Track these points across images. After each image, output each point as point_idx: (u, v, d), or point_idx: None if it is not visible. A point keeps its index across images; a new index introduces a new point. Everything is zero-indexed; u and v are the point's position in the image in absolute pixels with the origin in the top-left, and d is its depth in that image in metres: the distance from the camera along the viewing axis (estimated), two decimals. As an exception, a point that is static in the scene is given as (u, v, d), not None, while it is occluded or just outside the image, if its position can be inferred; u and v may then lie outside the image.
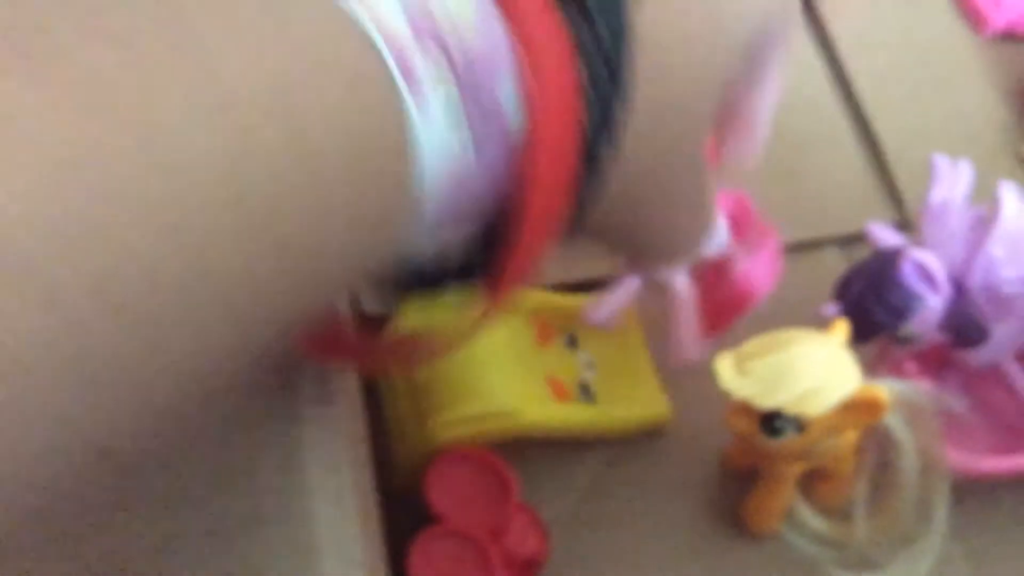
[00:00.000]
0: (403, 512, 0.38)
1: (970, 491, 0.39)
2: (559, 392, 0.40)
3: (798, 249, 0.47)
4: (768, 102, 0.31)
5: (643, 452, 0.43)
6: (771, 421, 0.34)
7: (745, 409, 0.34)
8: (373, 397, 0.42)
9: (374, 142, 0.18)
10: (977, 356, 0.40)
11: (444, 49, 0.18)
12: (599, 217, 0.24)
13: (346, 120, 0.17)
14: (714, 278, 0.36)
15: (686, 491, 0.42)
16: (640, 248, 0.29)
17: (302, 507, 0.24)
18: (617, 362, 0.43)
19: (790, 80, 0.51)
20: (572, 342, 0.43)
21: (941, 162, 0.39)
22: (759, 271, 0.37)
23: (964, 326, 0.38)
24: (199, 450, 0.24)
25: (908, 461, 0.37)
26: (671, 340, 0.36)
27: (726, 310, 0.36)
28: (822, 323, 0.38)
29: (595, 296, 0.39)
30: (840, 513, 0.39)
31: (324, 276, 0.18)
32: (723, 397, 0.35)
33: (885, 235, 0.39)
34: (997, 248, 0.37)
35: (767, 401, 0.33)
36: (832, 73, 0.51)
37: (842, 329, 0.36)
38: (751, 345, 0.34)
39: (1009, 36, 0.52)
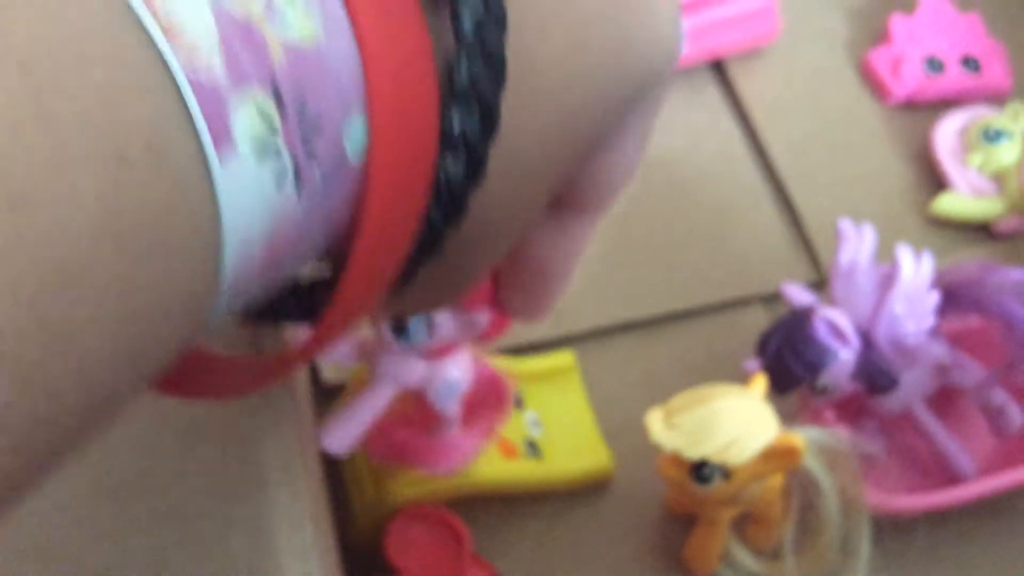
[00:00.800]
0: (364, 567, 0.41)
1: (888, 528, 0.42)
2: (507, 451, 0.43)
3: (725, 307, 0.51)
4: (615, 181, 0.27)
5: (590, 501, 0.45)
6: (699, 470, 0.37)
7: (675, 459, 0.37)
8: (332, 460, 0.45)
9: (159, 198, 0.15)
10: (889, 402, 0.43)
11: (267, 71, 0.16)
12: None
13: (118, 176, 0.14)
14: (419, 421, 0.38)
15: (631, 537, 0.45)
16: (431, 292, 0.26)
17: (272, 566, 0.26)
18: (562, 419, 0.46)
19: (711, 149, 0.55)
20: (518, 403, 0.46)
21: (846, 226, 0.42)
22: (455, 452, 0.39)
23: (874, 376, 0.41)
24: (175, 520, 0.26)
25: (830, 502, 0.40)
26: (334, 416, 0.37)
27: (400, 454, 0.39)
28: (746, 377, 0.41)
29: (331, 418, 0.38)
30: (772, 552, 0.42)
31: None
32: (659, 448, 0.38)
33: (799, 294, 0.43)
34: (898, 305, 0.40)
35: (694, 452, 0.36)
36: (749, 141, 0.55)
37: (761, 383, 0.39)
38: (678, 400, 0.37)
39: (910, 105, 0.56)
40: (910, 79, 0.55)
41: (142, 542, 0.26)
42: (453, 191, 0.19)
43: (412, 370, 0.36)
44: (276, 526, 0.25)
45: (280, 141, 0.16)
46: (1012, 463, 0.43)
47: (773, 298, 0.50)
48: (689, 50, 0.55)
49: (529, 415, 0.46)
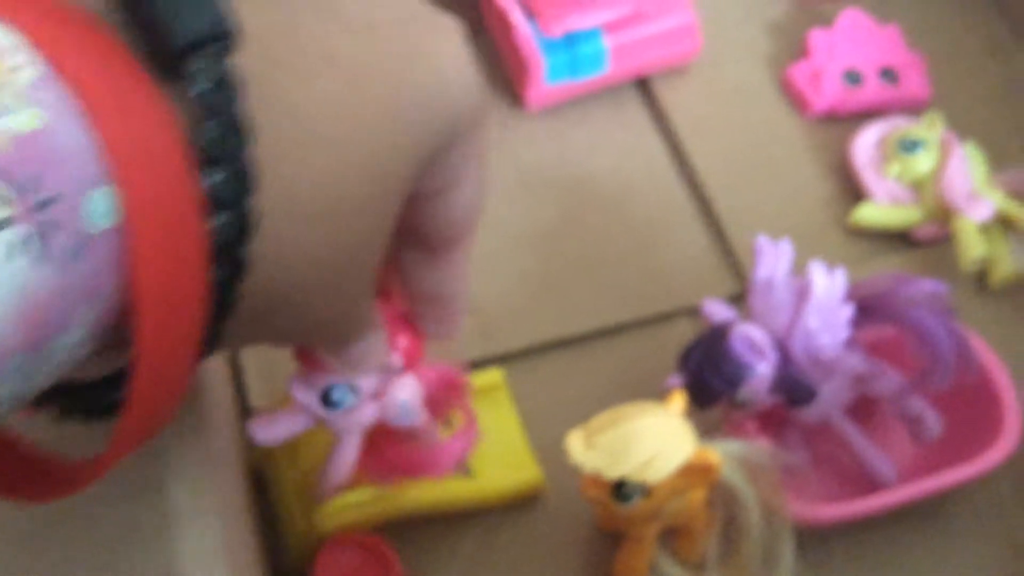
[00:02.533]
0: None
1: (810, 537, 0.43)
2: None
3: (653, 322, 0.52)
4: (465, 218, 0.28)
5: (521, 520, 0.46)
6: (620, 489, 0.37)
7: (597, 480, 0.38)
8: (262, 485, 0.45)
9: None
10: (809, 414, 0.44)
11: None
12: (255, 321, 0.23)
13: None
14: (401, 437, 0.39)
15: (562, 554, 0.45)
16: (307, 341, 0.27)
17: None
18: (491, 436, 0.46)
19: (637, 166, 0.56)
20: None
21: (763, 242, 0.43)
22: (445, 453, 0.39)
23: (793, 388, 0.42)
24: (86, 569, 0.26)
25: (752, 514, 0.40)
26: (321, 480, 0.40)
27: (397, 470, 0.39)
28: (669, 392, 0.42)
29: (268, 413, 0.39)
30: (699, 564, 0.42)
31: None
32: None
33: (717, 310, 0.44)
34: (812, 320, 0.41)
35: (612, 472, 0.37)
36: (675, 158, 0.56)
37: (679, 400, 0.40)
38: (597, 420, 0.38)
39: (830, 118, 0.57)
40: (829, 92, 0.56)
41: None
42: (228, 249, 0.20)
43: (363, 413, 0.37)
44: (187, 569, 0.25)
45: (11, 214, 0.17)
46: (931, 469, 0.44)
47: (699, 311, 0.51)
48: (614, 68, 0.56)
49: (459, 434, 0.46)
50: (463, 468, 0.45)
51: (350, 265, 0.23)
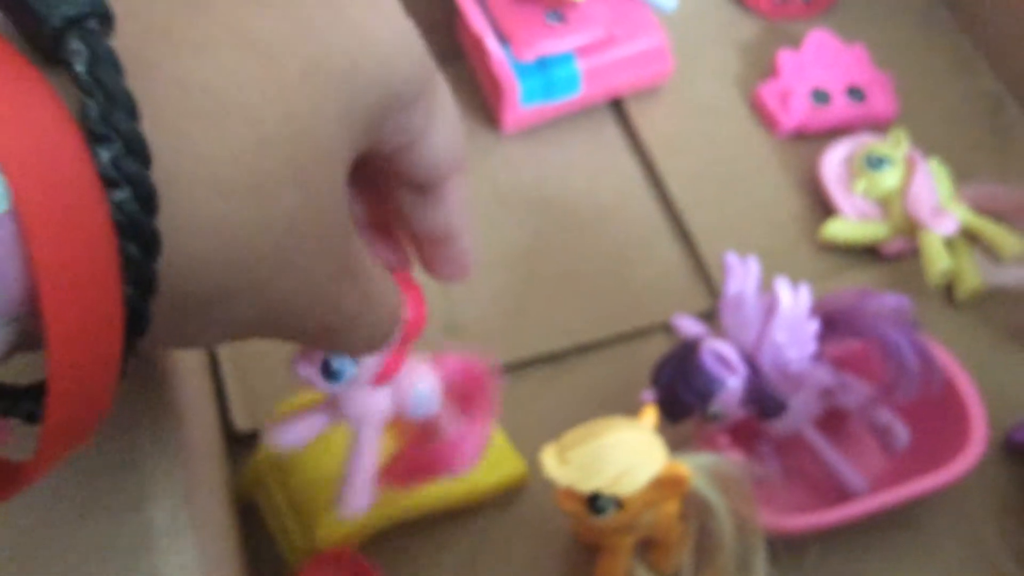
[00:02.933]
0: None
1: (783, 546, 0.44)
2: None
3: (629, 338, 0.53)
4: (446, 160, 0.28)
5: (504, 532, 0.47)
6: (594, 502, 0.38)
7: (571, 493, 0.39)
8: (252, 512, 0.46)
9: None
10: (779, 426, 0.45)
11: None
12: (197, 310, 0.22)
13: None
14: (419, 436, 0.38)
15: (541, 566, 0.46)
16: (305, 338, 0.26)
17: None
18: None
19: (612, 186, 0.57)
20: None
21: (732, 259, 0.44)
22: (467, 444, 0.38)
23: (763, 401, 0.43)
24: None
25: (724, 525, 0.41)
26: (343, 484, 0.38)
27: (419, 470, 0.38)
28: (643, 407, 0.43)
29: (284, 417, 0.38)
30: (673, 575, 0.43)
31: None
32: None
33: (688, 326, 0.45)
34: (780, 335, 0.42)
35: (586, 485, 0.38)
36: (648, 178, 0.57)
37: (651, 415, 0.41)
38: (570, 436, 0.39)
39: (799, 136, 0.58)
40: (798, 111, 0.58)
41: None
42: (134, 225, 0.19)
43: (379, 404, 0.36)
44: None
45: None
46: (900, 479, 0.45)
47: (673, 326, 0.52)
48: (587, 91, 0.57)
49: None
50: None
51: (299, 240, 0.22)
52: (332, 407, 0.37)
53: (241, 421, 0.48)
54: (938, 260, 0.51)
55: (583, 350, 0.52)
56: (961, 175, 0.56)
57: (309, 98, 0.22)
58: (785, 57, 0.59)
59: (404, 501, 0.43)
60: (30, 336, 0.20)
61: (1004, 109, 0.60)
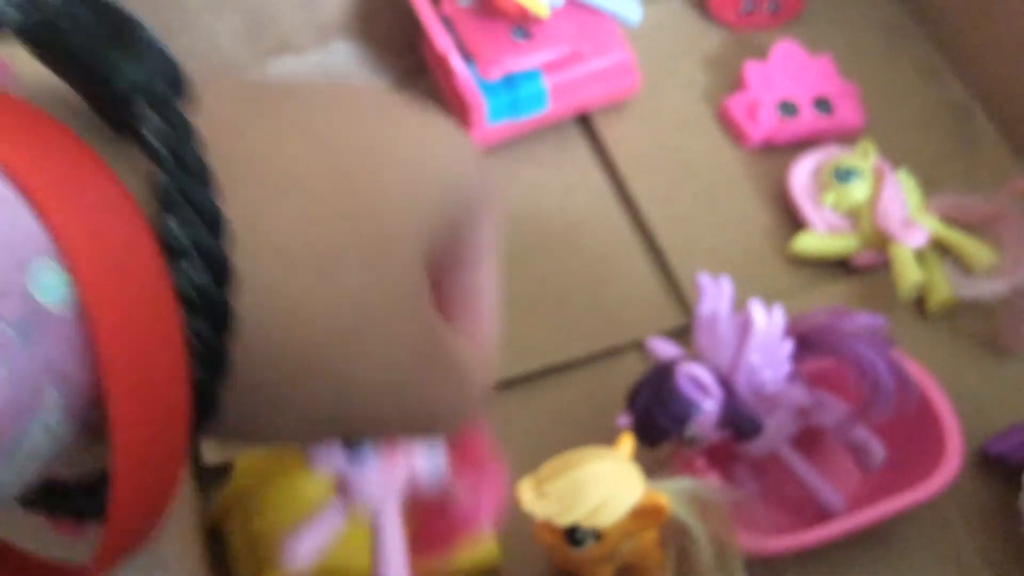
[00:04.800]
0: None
1: (763, 568, 0.44)
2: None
3: (601, 357, 0.52)
4: (488, 288, 0.28)
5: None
6: (572, 534, 0.38)
7: (549, 526, 0.38)
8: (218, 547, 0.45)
9: None
10: (756, 447, 0.45)
11: None
12: (272, 398, 0.21)
13: None
14: (434, 508, 0.37)
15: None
16: (388, 430, 0.25)
17: None
18: None
19: (581, 202, 0.56)
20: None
21: (704, 279, 0.44)
22: (482, 505, 0.37)
23: (739, 423, 0.43)
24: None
25: (703, 550, 0.41)
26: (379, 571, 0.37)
27: (442, 540, 0.37)
28: (619, 432, 0.43)
29: (296, 531, 0.37)
30: (654, 601, 0.43)
31: None
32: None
33: (663, 348, 0.44)
34: (755, 356, 0.42)
35: (563, 519, 0.37)
36: (618, 193, 0.57)
37: (627, 443, 0.40)
38: (547, 467, 0.38)
39: (767, 148, 0.58)
40: (765, 123, 0.57)
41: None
42: (205, 302, 0.18)
43: (397, 477, 0.35)
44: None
45: None
46: (878, 495, 0.45)
47: (646, 346, 0.51)
48: (554, 107, 0.56)
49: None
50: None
51: (369, 323, 0.22)
52: (343, 493, 0.35)
53: (211, 455, 0.47)
54: (909, 273, 0.51)
55: (555, 371, 0.52)
56: (929, 185, 0.56)
57: (374, 187, 0.22)
58: (752, 69, 0.59)
59: (364, 569, 0.42)
60: (91, 427, 0.19)
61: (972, 118, 0.60)
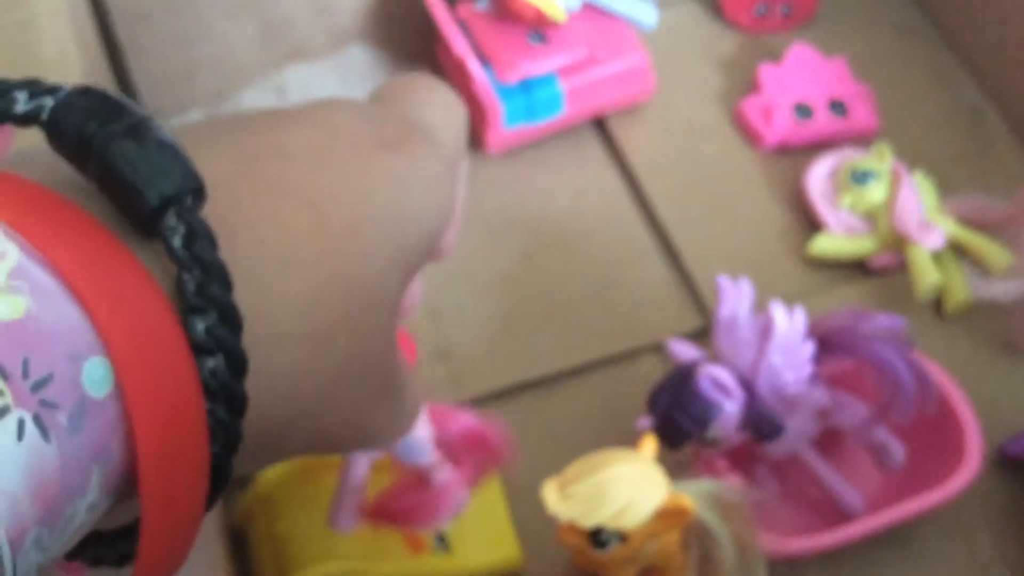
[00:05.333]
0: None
1: (784, 569, 0.44)
2: (414, 544, 0.43)
3: (618, 360, 0.52)
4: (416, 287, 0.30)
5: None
6: (596, 536, 0.38)
7: (573, 528, 0.38)
8: (241, 549, 0.45)
9: None
10: (777, 448, 0.45)
11: None
12: (264, 448, 0.23)
13: None
14: (408, 481, 0.39)
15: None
16: (340, 450, 0.27)
17: None
18: (473, 510, 0.46)
19: (597, 205, 0.57)
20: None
21: (724, 282, 0.44)
22: (448, 499, 0.39)
23: (760, 425, 0.43)
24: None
25: (725, 551, 0.41)
26: (332, 504, 0.39)
27: (399, 514, 0.39)
28: (640, 433, 0.43)
29: (331, 505, 0.39)
30: (676, 603, 0.43)
31: None
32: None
33: (683, 350, 0.44)
34: (776, 357, 0.42)
35: (588, 521, 0.37)
36: (633, 196, 0.57)
37: (650, 445, 0.40)
38: (571, 470, 0.39)
39: (782, 151, 0.58)
40: (781, 126, 0.57)
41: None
42: (223, 390, 0.20)
43: None
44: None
45: (8, 401, 0.17)
46: (898, 496, 0.45)
47: (664, 348, 0.52)
48: (570, 111, 0.57)
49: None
50: (442, 542, 0.45)
51: (348, 380, 0.24)
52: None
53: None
54: (926, 274, 0.51)
55: (574, 374, 0.52)
56: (944, 187, 0.56)
57: (359, 251, 0.23)
58: (767, 72, 0.59)
59: (388, 571, 0.42)
60: (121, 493, 0.20)
61: (985, 120, 0.60)
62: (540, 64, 0.54)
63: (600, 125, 0.59)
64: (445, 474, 0.38)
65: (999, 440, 0.49)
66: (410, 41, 0.60)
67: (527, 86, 0.55)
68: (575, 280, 0.54)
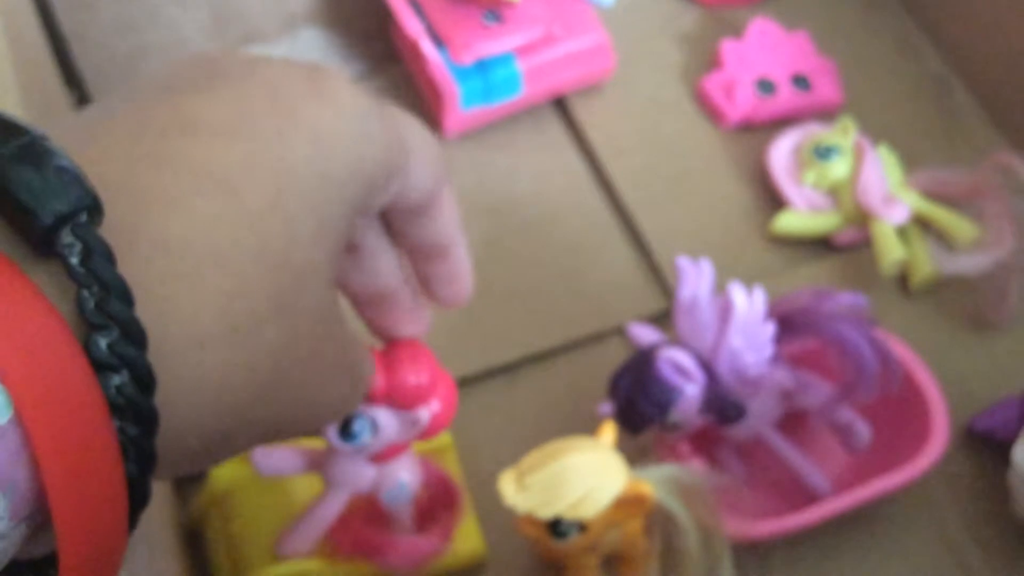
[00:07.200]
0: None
1: (750, 552, 0.43)
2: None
3: (583, 343, 0.51)
4: (428, 186, 0.28)
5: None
6: (555, 527, 0.37)
7: (532, 519, 0.38)
8: (196, 549, 0.44)
9: None
10: (740, 431, 0.44)
11: None
12: (205, 449, 0.22)
13: None
14: (376, 518, 0.39)
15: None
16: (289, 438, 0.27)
17: None
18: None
19: (559, 187, 0.56)
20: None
21: (684, 263, 0.43)
22: (412, 550, 0.40)
23: (722, 407, 0.42)
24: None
25: (690, 536, 0.41)
26: (293, 525, 0.39)
27: (362, 547, 0.40)
28: (601, 420, 0.42)
29: (289, 525, 0.40)
30: (642, 590, 0.43)
31: None
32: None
33: (643, 333, 0.44)
34: (736, 339, 0.41)
35: (546, 512, 0.36)
36: (595, 177, 0.56)
37: (609, 431, 0.39)
38: (528, 460, 0.38)
39: (745, 127, 0.57)
40: (743, 102, 0.57)
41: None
42: (133, 405, 0.20)
43: (362, 475, 0.37)
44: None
45: None
46: (864, 476, 0.44)
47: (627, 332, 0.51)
48: (529, 91, 0.55)
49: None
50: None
51: (286, 372, 0.23)
52: (315, 461, 0.37)
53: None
54: (891, 249, 0.51)
55: (537, 359, 0.51)
56: (910, 160, 0.55)
57: (281, 227, 0.22)
58: (728, 47, 0.58)
59: (353, 570, 0.41)
60: (36, 520, 0.20)
61: (951, 92, 0.59)
62: (496, 44, 0.53)
63: (560, 105, 0.58)
64: (415, 531, 0.39)
65: (967, 416, 0.48)
66: (363, 22, 0.59)
67: (484, 67, 0.54)
68: (538, 264, 0.54)
